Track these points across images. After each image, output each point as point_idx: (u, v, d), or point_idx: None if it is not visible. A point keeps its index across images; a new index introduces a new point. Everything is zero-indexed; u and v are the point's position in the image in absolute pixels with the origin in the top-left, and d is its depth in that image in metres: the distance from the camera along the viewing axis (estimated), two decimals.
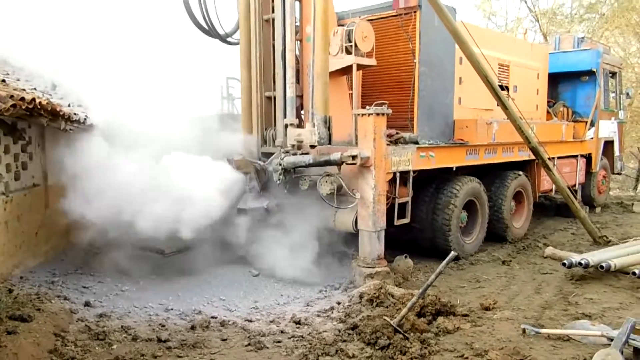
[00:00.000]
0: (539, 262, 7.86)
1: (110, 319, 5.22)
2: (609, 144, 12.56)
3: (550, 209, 12.06)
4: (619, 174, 14.23)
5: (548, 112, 11.14)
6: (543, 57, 10.67)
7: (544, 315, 5.56)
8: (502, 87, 9.06)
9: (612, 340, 4.43)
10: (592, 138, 11.65)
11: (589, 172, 11.87)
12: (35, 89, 6.48)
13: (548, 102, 11.20)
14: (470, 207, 8.10)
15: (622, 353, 4.22)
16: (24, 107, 4.68)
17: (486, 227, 8.45)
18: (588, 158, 11.75)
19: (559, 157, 10.34)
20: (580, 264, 6.62)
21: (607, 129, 12.35)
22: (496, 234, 8.87)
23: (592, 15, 26.29)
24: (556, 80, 11.72)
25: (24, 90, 5.75)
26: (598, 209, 12.43)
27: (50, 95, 6.69)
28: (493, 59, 8.85)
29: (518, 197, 9.34)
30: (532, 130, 8.91)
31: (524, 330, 4.95)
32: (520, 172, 9.25)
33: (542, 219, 11.15)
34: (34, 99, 4.87)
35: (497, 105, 7.90)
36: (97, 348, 4.57)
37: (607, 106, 12.36)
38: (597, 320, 5.30)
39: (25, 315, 4.69)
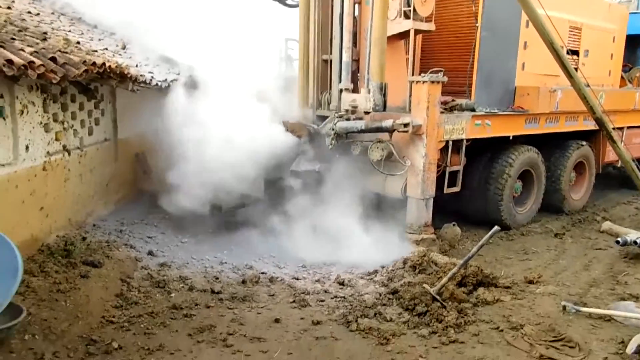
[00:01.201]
0: (593, 237, 7.69)
1: (170, 268, 5.69)
2: None
3: (617, 179, 11.53)
4: None
5: (623, 77, 10.51)
6: (621, 18, 9.96)
7: (588, 293, 5.53)
8: (572, 52, 8.64)
9: None
10: None
11: None
12: (106, 49, 6.89)
13: (624, 67, 10.53)
14: (526, 176, 7.97)
15: None
16: (94, 71, 5.03)
17: (542, 198, 8.29)
18: None
19: (629, 127, 9.84)
20: (635, 242, 6.46)
21: None
22: (553, 205, 8.69)
23: None
24: (636, 43, 10.94)
25: (96, 52, 6.13)
26: None
27: (120, 55, 7.08)
28: (564, 22, 8.42)
29: (579, 167, 9.04)
30: (601, 98, 8.50)
31: (564, 307, 4.97)
32: (584, 142, 8.90)
33: (605, 190, 10.72)
34: (104, 64, 5.21)
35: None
36: (157, 295, 5.04)
37: None
38: None
39: (96, 261, 5.21)
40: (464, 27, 7.41)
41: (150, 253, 6.02)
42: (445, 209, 7.48)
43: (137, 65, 6.79)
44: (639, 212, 9.20)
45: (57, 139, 5.86)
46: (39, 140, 5.40)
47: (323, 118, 7.15)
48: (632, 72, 10.82)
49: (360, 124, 6.38)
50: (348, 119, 6.54)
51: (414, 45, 6.85)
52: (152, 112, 7.02)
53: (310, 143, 6.89)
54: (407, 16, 6.57)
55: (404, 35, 6.82)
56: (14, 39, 4.41)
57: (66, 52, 4.90)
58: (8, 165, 4.85)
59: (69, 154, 6.13)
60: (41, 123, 5.45)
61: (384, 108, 6.58)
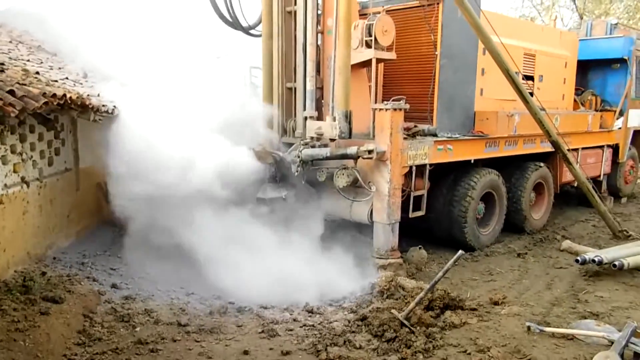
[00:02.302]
0: (554, 255, 7.92)
1: (135, 301, 5.55)
2: (638, 133, 12.32)
3: (574, 197, 11.95)
4: None
5: (575, 100, 10.98)
6: (572, 45, 10.48)
7: (551, 313, 5.67)
8: (527, 77, 9.03)
9: (613, 342, 4.54)
10: (620, 128, 11.44)
11: (615, 162, 11.71)
12: (67, 78, 6.79)
13: (576, 90, 11.02)
14: (488, 198, 8.17)
15: (622, 356, 4.35)
16: (55, 103, 4.95)
17: (504, 219, 8.52)
18: (615, 148, 11.58)
19: (583, 148, 10.26)
20: (593, 261, 6.68)
21: (638, 118, 12.10)
22: (514, 225, 8.92)
23: None
24: (586, 67, 11.50)
25: (56, 82, 6.04)
26: (624, 200, 12.30)
27: (81, 84, 6.99)
28: (518, 49, 8.80)
29: (538, 188, 9.34)
30: (556, 121, 8.89)
31: (529, 328, 5.08)
32: (542, 164, 9.22)
33: (564, 208, 11.11)
34: (64, 95, 5.13)
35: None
36: (121, 330, 4.91)
37: (639, 95, 12.07)
38: (603, 320, 5.40)
39: (57, 297, 5.03)
40: (424, 55, 7.64)
41: (113, 286, 5.86)
42: (412, 229, 7.59)
43: (98, 95, 6.70)
44: (597, 230, 9.53)
45: (15, 171, 5.71)
46: None
47: (289, 145, 7.19)
48: (584, 95, 11.33)
49: (325, 151, 6.46)
50: (313, 146, 6.60)
51: (376, 73, 7.02)
52: (115, 140, 6.90)
53: (276, 170, 6.91)
54: (368, 45, 6.73)
55: (366, 63, 6.98)
56: None
57: (25, 84, 4.82)
58: None
59: (28, 186, 5.97)
60: None
61: (350, 135, 6.67)
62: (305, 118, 6.91)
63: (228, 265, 6.22)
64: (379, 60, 6.94)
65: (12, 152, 5.64)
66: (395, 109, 6.24)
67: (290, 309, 5.61)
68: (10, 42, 7.52)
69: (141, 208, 6.63)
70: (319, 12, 7.22)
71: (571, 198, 11.74)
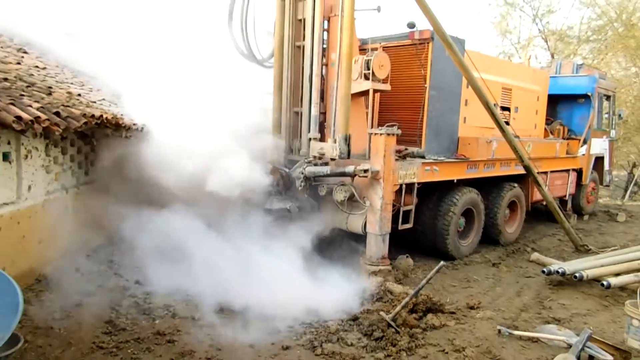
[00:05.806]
0: (524, 265, 7.93)
1: (156, 296, 5.57)
2: (599, 159, 12.39)
3: (544, 214, 11.96)
4: (608, 186, 14.04)
5: (546, 130, 11.05)
6: (543, 81, 10.55)
7: (520, 317, 5.69)
8: (505, 108, 9.11)
9: (571, 346, 4.57)
10: (584, 154, 11.50)
11: (579, 184, 11.76)
12: (104, 99, 6.87)
13: (547, 120, 11.10)
14: (468, 213, 8.20)
15: (578, 358, 4.38)
16: (93, 122, 5.02)
17: (481, 232, 8.54)
18: (579, 172, 11.63)
19: (552, 171, 10.31)
20: (557, 272, 6.71)
21: (599, 146, 12.19)
22: (490, 238, 8.93)
23: (599, 37, 25.44)
24: (556, 100, 11.59)
25: (94, 103, 6.13)
26: (586, 217, 12.30)
27: (116, 104, 7.06)
28: (497, 84, 8.88)
29: (512, 205, 9.36)
30: (529, 147, 8.96)
31: (499, 331, 5.11)
32: (515, 184, 9.25)
33: (534, 223, 11.12)
34: (101, 115, 5.21)
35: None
36: (143, 322, 4.94)
37: (600, 126, 12.20)
38: (564, 325, 5.42)
39: (88, 290, 5.10)
40: (415, 87, 7.71)
41: (137, 282, 5.88)
42: (401, 239, 7.62)
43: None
44: (562, 244, 9.54)
45: (56, 179, 5.78)
46: (40, 181, 5.33)
47: (294, 162, 7.24)
48: (553, 125, 11.41)
49: (326, 169, 6.51)
50: (316, 164, 6.66)
51: (373, 101, 7.07)
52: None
53: (282, 184, 6.95)
54: (367, 78, 6.80)
55: (364, 93, 7.04)
56: (22, 95, 4.39)
57: (68, 106, 4.90)
58: (12, 204, 4.77)
59: (67, 192, 6.04)
60: (43, 165, 5.39)
61: (349, 156, 6.71)
62: (310, 139, 6.97)
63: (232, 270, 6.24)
64: (375, 91, 7.00)
65: (55, 162, 5.71)
66: (388, 134, 6.30)
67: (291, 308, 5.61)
68: (57, 66, 7.60)
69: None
70: (324, 47, 7.31)
71: (541, 215, 11.74)
